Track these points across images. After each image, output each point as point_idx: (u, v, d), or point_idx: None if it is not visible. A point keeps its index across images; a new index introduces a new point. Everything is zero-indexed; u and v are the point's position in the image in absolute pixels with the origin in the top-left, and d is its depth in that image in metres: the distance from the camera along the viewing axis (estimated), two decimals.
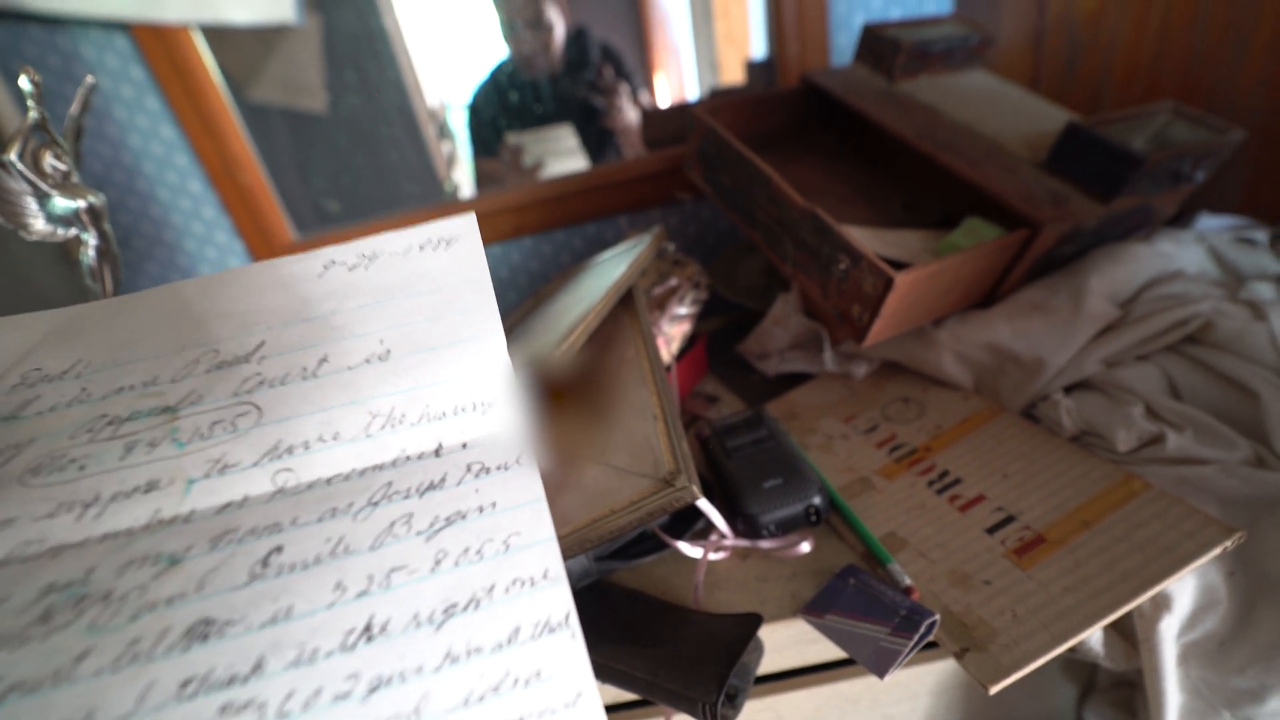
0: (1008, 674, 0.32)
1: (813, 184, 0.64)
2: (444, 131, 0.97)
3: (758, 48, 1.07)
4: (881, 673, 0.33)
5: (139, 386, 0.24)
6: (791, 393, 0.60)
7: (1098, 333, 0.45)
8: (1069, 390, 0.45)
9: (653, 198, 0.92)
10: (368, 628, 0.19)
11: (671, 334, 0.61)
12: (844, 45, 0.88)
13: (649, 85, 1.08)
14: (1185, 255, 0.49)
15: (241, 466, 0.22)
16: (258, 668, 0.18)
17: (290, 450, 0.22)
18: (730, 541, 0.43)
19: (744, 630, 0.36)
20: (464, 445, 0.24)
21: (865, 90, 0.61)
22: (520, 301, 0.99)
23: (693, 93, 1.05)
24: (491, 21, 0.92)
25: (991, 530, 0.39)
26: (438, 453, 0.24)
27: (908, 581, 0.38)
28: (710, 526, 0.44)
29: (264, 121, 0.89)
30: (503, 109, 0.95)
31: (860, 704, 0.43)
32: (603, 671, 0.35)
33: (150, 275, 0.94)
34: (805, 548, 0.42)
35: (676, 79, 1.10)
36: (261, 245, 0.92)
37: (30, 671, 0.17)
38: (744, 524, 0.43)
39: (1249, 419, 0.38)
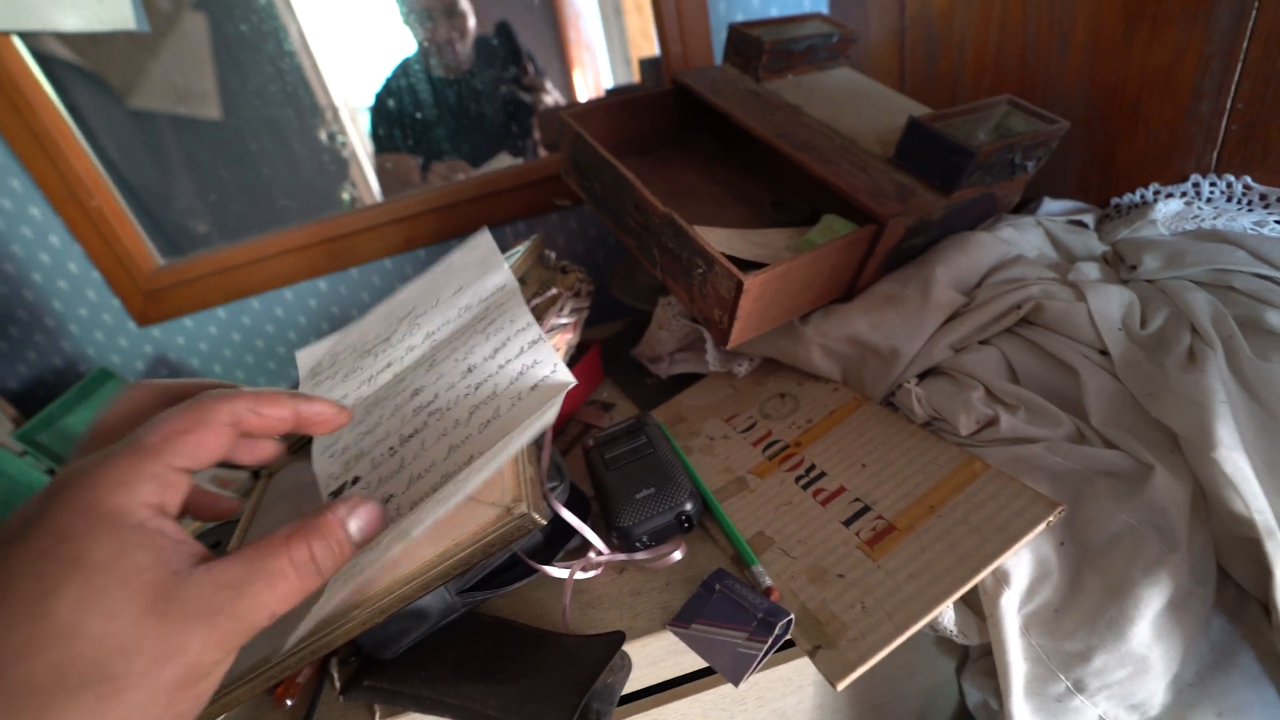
0: (853, 669, 0.32)
1: (688, 186, 0.64)
2: (335, 139, 0.92)
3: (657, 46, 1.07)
4: (736, 680, 0.33)
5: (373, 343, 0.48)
6: (679, 395, 0.60)
7: (945, 320, 0.47)
8: (922, 377, 0.47)
9: (537, 204, 0.91)
10: (469, 368, 0.41)
11: (554, 344, 0.59)
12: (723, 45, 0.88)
13: (568, 83, 1.06)
14: (1025, 240, 0.52)
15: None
16: (436, 396, 0.40)
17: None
18: (605, 557, 0.42)
19: (604, 652, 0.35)
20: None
21: (732, 90, 0.62)
22: None
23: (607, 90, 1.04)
24: (395, 14, 0.87)
25: (848, 522, 0.40)
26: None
27: (768, 582, 0.38)
28: (588, 544, 0.43)
29: (130, 135, 0.81)
30: (412, 104, 0.90)
31: (748, 702, 0.43)
32: (464, 714, 0.34)
33: None
34: (676, 556, 0.41)
35: (593, 76, 1.09)
36: (120, 272, 0.84)
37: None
38: (618, 537, 0.43)
39: (1073, 396, 0.40)
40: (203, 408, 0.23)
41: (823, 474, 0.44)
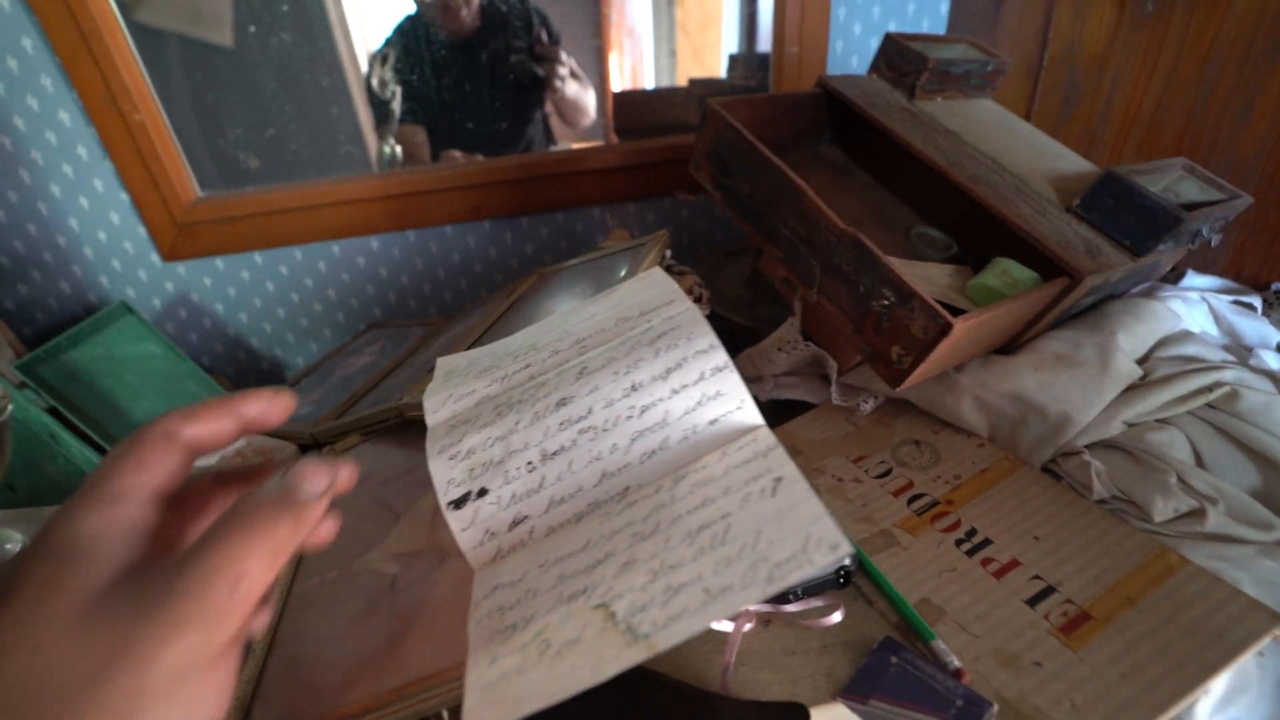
0: None
1: (825, 200, 0.59)
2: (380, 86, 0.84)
3: (727, 39, 1.02)
4: None
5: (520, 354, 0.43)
6: (791, 423, 0.56)
7: (1122, 390, 0.44)
8: (1090, 449, 0.44)
9: (626, 191, 0.85)
10: (633, 386, 0.36)
11: None
12: (839, 53, 0.84)
13: (602, 65, 1.00)
14: (1191, 315, 0.49)
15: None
16: (589, 411, 0.36)
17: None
18: (754, 607, 0.38)
19: None
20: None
21: (884, 105, 0.58)
22: (474, 292, 0.88)
23: (649, 79, 0.98)
24: None
25: (1032, 602, 0.37)
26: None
27: (957, 663, 0.34)
28: None
29: (159, 48, 0.72)
30: (412, 69, 0.81)
31: None
32: None
33: None
34: (837, 617, 0.38)
35: (632, 63, 1.03)
36: (154, 199, 0.75)
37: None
38: None
39: (1277, 495, 0.38)
40: (137, 432, 0.23)
41: (988, 541, 0.41)
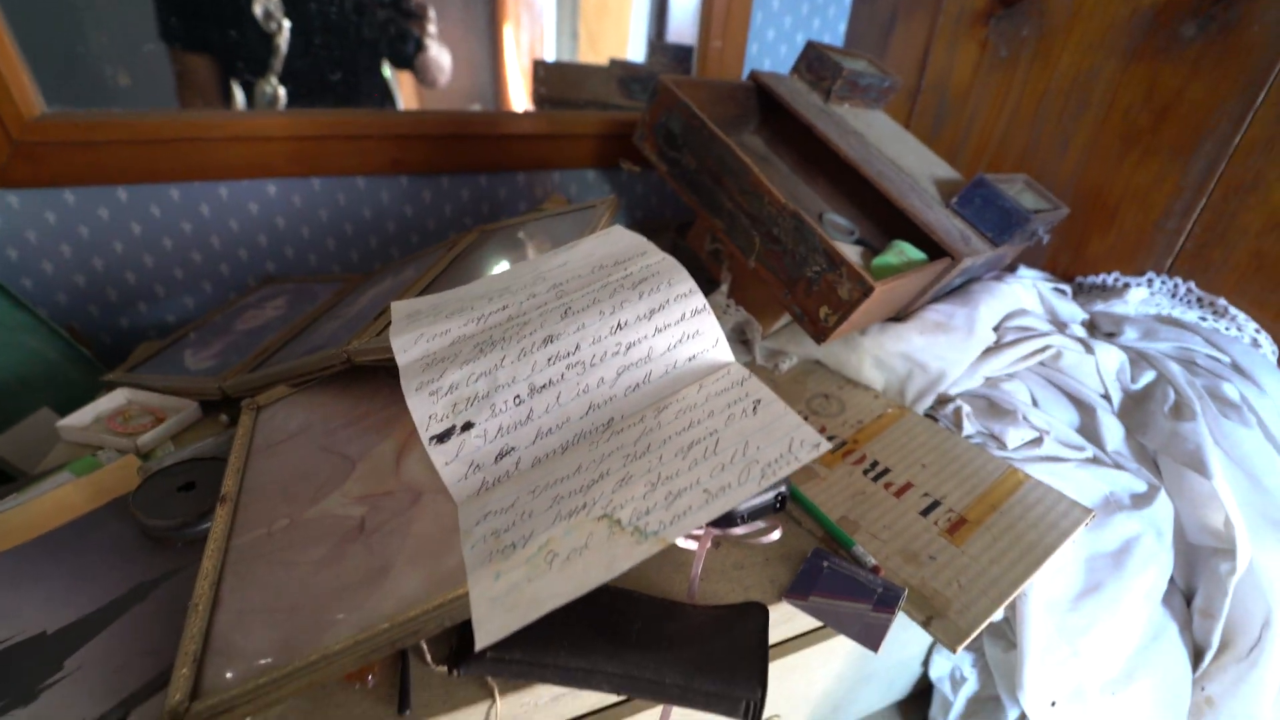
0: (966, 635, 0.38)
1: None
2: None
3: (635, 29, 1.07)
4: (875, 646, 0.37)
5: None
6: None
7: (982, 351, 0.55)
8: (959, 397, 0.55)
9: (553, 159, 0.86)
10: (619, 325, 0.38)
11: None
12: (754, 53, 0.92)
13: (496, 33, 1.00)
14: (1026, 296, 0.63)
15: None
16: (576, 348, 0.38)
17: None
18: (708, 532, 0.43)
19: (757, 622, 0.36)
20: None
21: (805, 103, 0.65)
22: (385, 251, 0.84)
23: (549, 57, 1.01)
24: None
25: (924, 513, 0.46)
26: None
27: (874, 561, 0.42)
28: None
29: None
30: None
31: (796, 670, 0.46)
32: (633, 684, 0.32)
33: None
34: (776, 535, 0.44)
35: (530, 38, 1.04)
36: None
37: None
38: None
39: (1085, 428, 0.51)
40: None
41: (887, 470, 0.50)
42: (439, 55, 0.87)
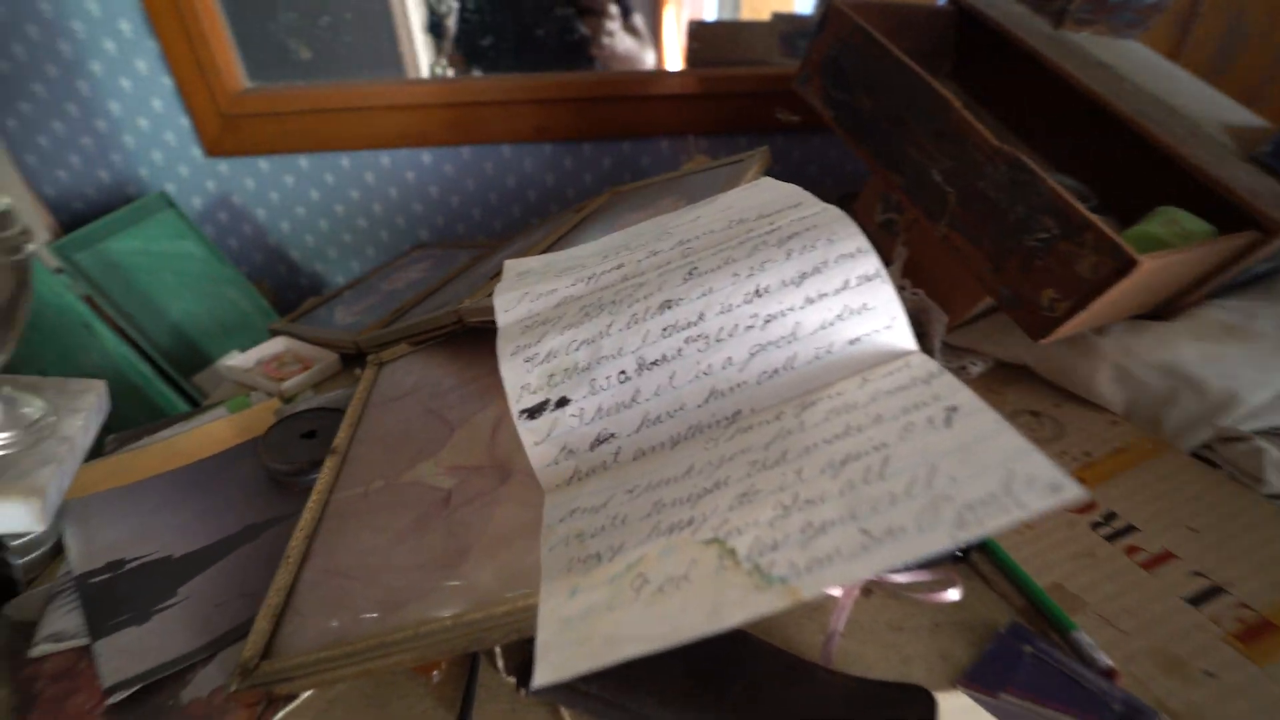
0: None
1: None
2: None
3: None
4: None
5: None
6: None
7: None
8: (1262, 436, 0.37)
9: (700, 123, 0.78)
10: (757, 291, 0.30)
11: None
12: None
13: (655, 22, 0.92)
14: None
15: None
16: (700, 318, 0.30)
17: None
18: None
19: (917, 713, 0.26)
20: None
21: (1029, 29, 0.50)
22: (526, 220, 0.83)
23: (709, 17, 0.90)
24: None
25: (1195, 601, 0.31)
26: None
27: (1108, 662, 0.29)
28: None
29: None
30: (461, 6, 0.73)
31: None
32: None
33: (32, 103, 0.70)
34: (954, 594, 0.32)
35: (689, 16, 0.95)
36: (199, 85, 0.70)
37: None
38: None
39: None
40: None
41: (1131, 528, 0.35)
42: (631, 53, 0.82)
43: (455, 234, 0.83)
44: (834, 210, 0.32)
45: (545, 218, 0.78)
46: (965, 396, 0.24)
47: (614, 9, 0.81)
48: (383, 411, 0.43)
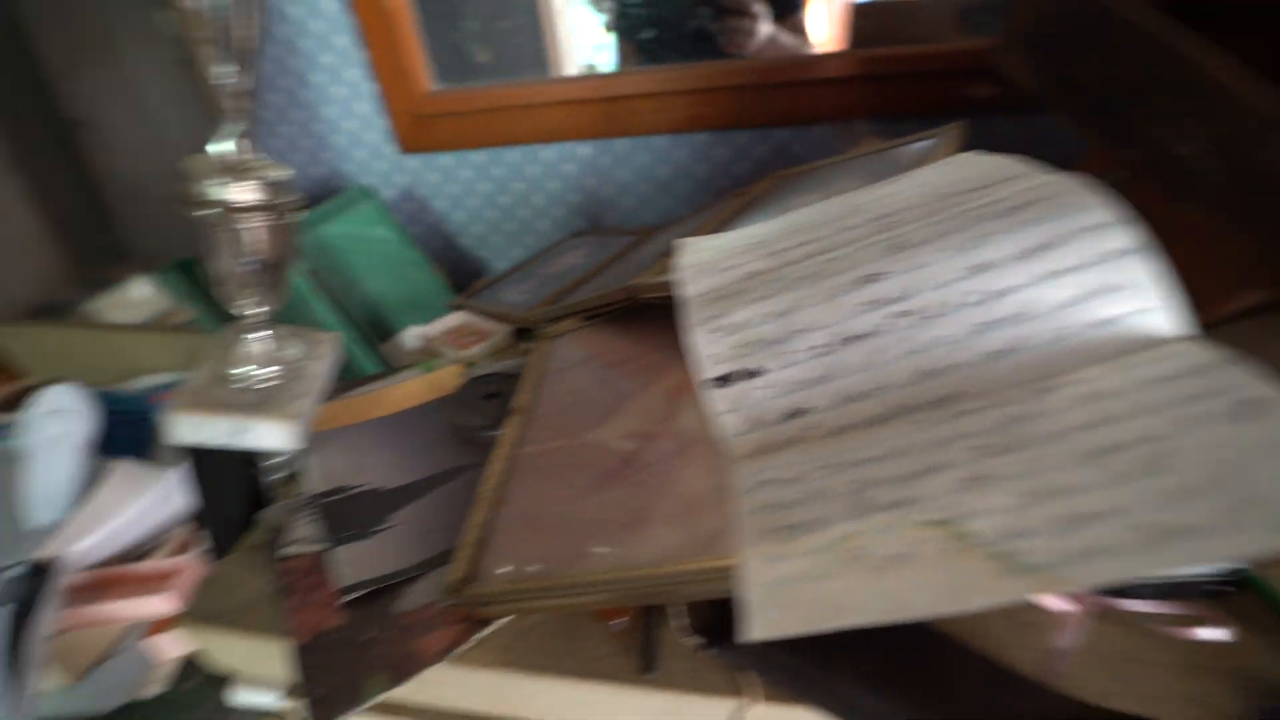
0: None
1: None
2: None
3: None
4: None
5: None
6: None
7: None
8: None
9: (863, 106, 0.74)
10: (978, 265, 0.27)
11: None
12: None
13: (802, 7, 0.87)
14: None
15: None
16: (909, 293, 0.28)
17: None
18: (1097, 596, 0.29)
19: None
20: None
21: None
22: (676, 212, 0.84)
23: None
24: None
25: None
26: None
27: None
28: None
29: None
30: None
31: None
32: None
33: (269, 110, 0.83)
34: (1221, 634, 0.27)
35: (833, 13, 0.89)
36: (398, 90, 0.79)
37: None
38: None
39: None
40: None
41: None
42: (772, 40, 0.79)
43: (608, 225, 0.86)
44: (1072, 179, 0.28)
45: (696, 209, 0.78)
46: (1264, 389, 0.20)
47: (759, 8, 0.79)
48: (557, 380, 0.45)
